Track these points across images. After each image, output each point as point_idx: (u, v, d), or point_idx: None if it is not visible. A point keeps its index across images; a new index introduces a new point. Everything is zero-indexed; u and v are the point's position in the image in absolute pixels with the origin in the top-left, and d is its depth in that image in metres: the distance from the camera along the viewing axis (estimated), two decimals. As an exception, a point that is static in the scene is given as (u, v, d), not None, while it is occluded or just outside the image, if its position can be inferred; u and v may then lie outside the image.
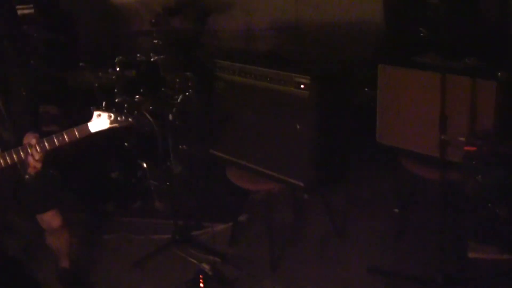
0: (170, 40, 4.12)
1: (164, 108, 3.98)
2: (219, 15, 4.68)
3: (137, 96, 3.99)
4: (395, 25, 3.88)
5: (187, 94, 4.08)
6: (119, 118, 2.78)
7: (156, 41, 4.06)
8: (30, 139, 2.74)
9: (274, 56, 4.18)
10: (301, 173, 3.24)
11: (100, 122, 2.76)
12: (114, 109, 2.83)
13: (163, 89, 4.08)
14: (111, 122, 2.77)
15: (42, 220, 3.27)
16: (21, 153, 2.74)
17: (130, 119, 2.84)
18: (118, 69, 4.10)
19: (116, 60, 4.13)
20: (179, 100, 4.01)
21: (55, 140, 2.72)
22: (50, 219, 3.26)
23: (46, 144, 2.71)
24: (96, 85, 4.15)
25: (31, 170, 2.75)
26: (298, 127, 3.19)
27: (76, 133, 2.72)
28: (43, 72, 4.44)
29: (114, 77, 4.11)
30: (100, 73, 4.15)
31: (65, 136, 2.71)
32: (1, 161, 2.76)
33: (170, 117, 4.02)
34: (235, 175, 3.63)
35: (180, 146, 4.03)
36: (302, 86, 3.16)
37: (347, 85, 3.45)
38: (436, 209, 2.93)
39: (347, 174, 3.57)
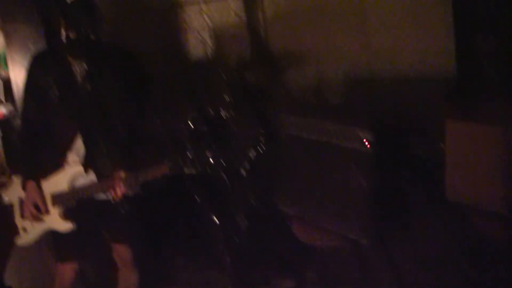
0: (241, 96, 4.40)
1: (235, 163, 4.25)
2: (290, 69, 4.92)
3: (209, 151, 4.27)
4: (468, 79, 3.96)
5: (258, 149, 4.33)
6: (192, 169, 3.34)
7: (227, 97, 4.34)
8: (118, 173, 3.26)
9: (341, 110, 4.35)
10: (365, 230, 3.36)
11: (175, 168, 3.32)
12: (187, 160, 3.33)
13: (233, 144, 4.34)
14: (184, 170, 3.34)
15: (118, 252, 3.66)
16: (110, 184, 3.28)
17: (201, 170, 3.21)
18: (190, 123, 4.41)
19: (188, 115, 4.45)
20: (250, 155, 4.27)
21: (139, 177, 3.28)
22: (125, 251, 3.63)
23: (138, 179, 3.28)
24: (169, 138, 4.46)
25: (116, 198, 3.29)
26: (362, 183, 3.33)
27: (158, 172, 3.29)
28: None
29: (186, 131, 4.43)
30: (172, 127, 4.47)
31: (149, 174, 3.29)
32: (96, 188, 3.34)
33: (243, 172, 4.29)
34: (300, 231, 3.78)
35: (249, 201, 4.25)
36: (366, 142, 3.30)
37: (415, 140, 3.55)
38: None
39: (413, 231, 3.63)
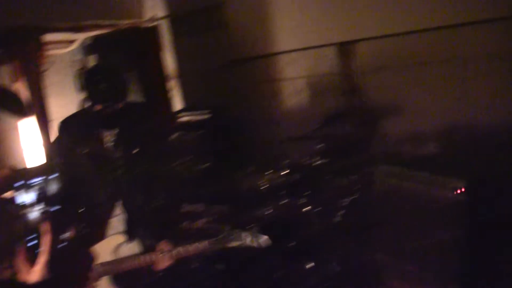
0: (333, 144, 4.63)
1: (327, 210, 4.48)
2: (385, 119, 5.10)
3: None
4: None
5: (353, 197, 4.54)
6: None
7: (320, 145, 4.59)
8: (163, 246, 3.39)
9: (434, 160, 4.49)
10: (460, 280, 3.49)
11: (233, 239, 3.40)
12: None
13: (327, 192, 4.57)
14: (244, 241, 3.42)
15: None
16: (152, 258, 3.38)
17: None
18: (283, 172, 4.69)
19: (282, 164, 4.73)
20: (346, 203, 4.48)
21: (188, 250, 3.39)
22: None
23: (180, 251, 3.37)
24: (261, 187, 4.74)
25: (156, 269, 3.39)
26: (454, 232, 3.48)
27: (208, 246, 3.38)
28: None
29: (279, 180, 4.70)
30: (266, 176, 4.75)
31: (198, 247, 3.38)
32: (135, 261, 3.40)
33: (336, 219, 4.51)
34: (392, 278, 3.94)
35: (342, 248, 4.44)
36: (458, 191, 3.47)
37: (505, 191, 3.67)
38: None
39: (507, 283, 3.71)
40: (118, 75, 3.55)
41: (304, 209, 4.48)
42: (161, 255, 3.37)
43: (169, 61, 6.72)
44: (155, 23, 6.65)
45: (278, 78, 5.91)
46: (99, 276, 3.46)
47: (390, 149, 5.02)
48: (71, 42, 6.85)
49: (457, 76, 4.71)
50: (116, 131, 3.53)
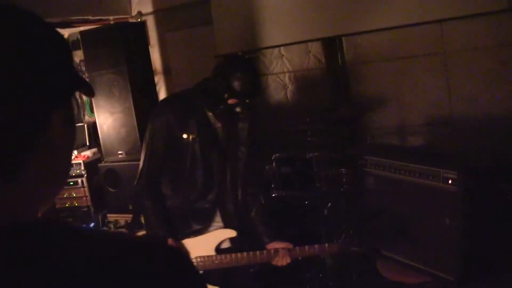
0: (324, 137, 4.76)
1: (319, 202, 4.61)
2: (373, 112, 5.25)
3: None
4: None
5: (341, 190, 4.68)
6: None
7: (311, 139, 4.72)
8: (278, 244, 3.45)
9: (423, 151, 4.64)
10: (452, 267, 3.62)
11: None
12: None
13: (317, 185, 4.70)
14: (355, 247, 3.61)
15: None
16: (271, 257, 3.44)
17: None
18: (274, 165, 4.81)
19: (273, 157, 4.85)
20: (334, 196, 4.62)
21: (305, 251, 3.46)
22: None
23: (297, 252, 3.44)
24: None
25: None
26: (447, 221, 3.61)
27: (326, 249, 3.52)
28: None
29: (271, 172, 4.83)
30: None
31: (316, 249, 3.47)
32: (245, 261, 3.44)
33: (326, 212, 4.64)
34: (385, 268, 4.07)
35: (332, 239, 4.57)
36: (450, 181, 3.60)
37: (500, 179, 3.82)
38: None
39: (502, 270, 3.85)
40: (257, 72, 3.45)
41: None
42: (276, 253, 3.41)
43: (156, 56, 6.81)
44: (142, 19, 6.73)
45: (265, 72, 6.01)
46: (201, 269, 3.45)
47: (379, 141, 5.18)
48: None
49: (443, 69, 4.87)
50: (228, 124, 3.47)
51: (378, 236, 4.14)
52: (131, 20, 6.73)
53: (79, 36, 6.34)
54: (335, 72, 5.54)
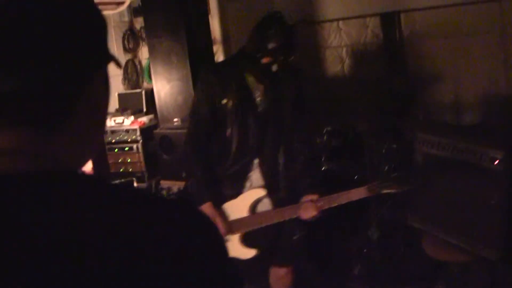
0: (377, 111, 4.84)
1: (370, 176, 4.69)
2: (427, 88, 5.29)
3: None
4: None
5: (393, 165, 4.75)
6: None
7: (362, 113, 4.80)
8: (310, 197, 3.46)
9: (475, 129, 4.66)
10: (495, 246, 3.68)
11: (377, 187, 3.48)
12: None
13: (368, 158, 4.79)
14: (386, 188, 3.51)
15: (278, 276, 3.88)
16: (297, 211, 3.47)
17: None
18: (325, 138, 4.91)
19: (324, 131, 4.95)
20: (385, 170, 4.69)
21: (333, 201, 3.43)
22: (286, 275, 3.85)
23: (325, 205, 3.43)
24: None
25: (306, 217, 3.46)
26: (493, 201, 3.67)
27: (353, 195, 3.44)
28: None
29: (321, 145, 4.93)
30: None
31: (344, 197, 3.43)
32: (275, 217, 3.52)
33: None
34: (430, 245, 4.15)
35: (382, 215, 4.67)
36: (496, 161, 3.65)
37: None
38: None
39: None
40: (296, 33, 3.50)
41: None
42: (311, 205, 3.43)
43: (215, 25, 6.94)
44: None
45: (322, 45, 6.08)
46: (237, 232, 3.59)
47: (431, 117, 5.21)
48: (120, 3, 7.10)
49: (501, 48, 4.86)
50: (270, 87, 3.52)
51: (423, 213, 4.23)
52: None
53: (140, 3, 6.53)
54: (393, 48, 5.57)
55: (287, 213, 3.52)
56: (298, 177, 3.62)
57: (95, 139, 1.17)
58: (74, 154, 1.09)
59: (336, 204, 3.43)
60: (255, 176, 3.63)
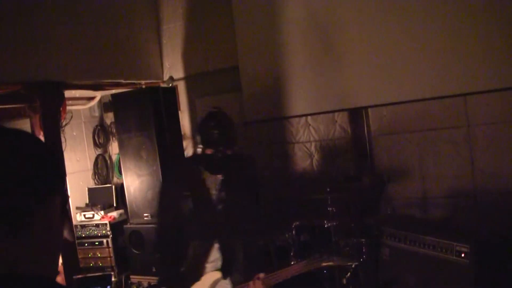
0: (344, 207, 4.89)
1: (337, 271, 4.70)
2: (396, 183, 5.37)
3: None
4: None
5: (361, 259, 4.77)
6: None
7: (330, 208, 4.84)
8: (257, 275, 3.56)
9: (441, 224, 4.74)
10: None
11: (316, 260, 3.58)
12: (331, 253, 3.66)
13: (336, 253, 4.80)
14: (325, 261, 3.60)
15: None
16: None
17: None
18: (294, 232, 4.94)
19: (293, 225, 4.99)
20: (353, 266, 4.70)
21: (278, 276, 3.54)
22: None
23: (271, 280, 3.54)
24: (272, 247, 5.00)
25: None
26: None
27: (296, 268, 3.56)
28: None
29: (290, 240, 4.95)
30: (277, 236, 5.00)
31: (288, 272, 3.54)
32: None
33: (344, 281, 4.73)
34: None
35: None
36: (462, 255, 3.71)
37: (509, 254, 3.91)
38: None
39: None
40: (231, 124, 3.84)
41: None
42: (257, 283, 3.53)
43: (185, 121, 7.05)
44: (173, 84, 7.01)
45: (291, 141, 6.19)
46: None
47: (399, 213, 5.28)
48: (91, 99, 7.22)
49: (466, 142, 4.99)
50: (221, 175, 3.80)
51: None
52: (162, 85, 7.01)
53: (110, 99, 6.64)
54: (360, 142, 5.69)
55: None
56: (251, 258, 3.88)
57: (54, 252, 1.35)
58: (34, 262, 1.25)
59: (282, 280, 3.56)
60: (215, 259, 3.85)
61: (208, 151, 3.66)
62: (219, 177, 3.80)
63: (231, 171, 3.79)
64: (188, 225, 3.84)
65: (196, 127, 3.77)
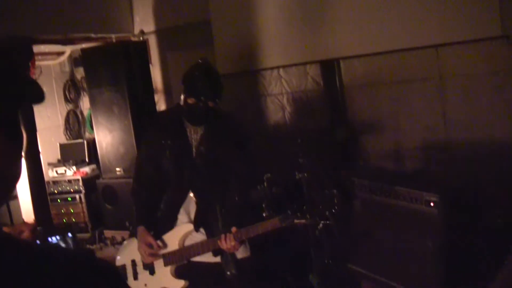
0: (314, 159, 4.89)
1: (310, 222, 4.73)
2: (368, 135, 5.39)
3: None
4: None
5: (333, 211, 4.79)
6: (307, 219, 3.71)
7: (301, 160, 4.84)
8: (232, 228, 3.57)
9: (413, 175, 4.78)
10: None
11: (288, 217, 3.64)
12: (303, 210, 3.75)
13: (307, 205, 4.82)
14: (298, 219, 3.67)
15: None
16: (216, 242, 3.58)
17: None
18: (266, 184, 4.94)
19: (264, 177, 4.98)
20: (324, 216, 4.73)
21: (250, 231, 3.57)
22: None
23: (243, 235, 3.56)
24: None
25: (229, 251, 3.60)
26: (429, 244, 3.75)
27: (268, 225, 3.59)
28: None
29: (262, 193, 4.96)
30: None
31: (260, 228, 3.57)
32: (206, 247, 3.66)
33: (317, 233, 4.75)
34: (370, 290, 4.20)
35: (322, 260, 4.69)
36: (431, 204, 3.75)
37: (480, 204, 3.96)
38: None
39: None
40: (216, 76, 3.71)
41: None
42: (229, 236, 3.52)
43: (157, 75, 7.00)
44: (144, 37, 6.93)
45: (263, 93, 6.17)
46: (169, 264, 3.75)
47: (372, 165, 5.31)
48: (60, 54, 7.12)
49: (438, 94, 5.00)
50: (202, 127, 3.75)
51: (363, 257, 4.29)
52: (133, 39, 6.93)
53: (80, 53, 6.56)
54: (333, 95, 5.68)
55: (209, 245, 3.66)
56: (228, 213, 3.78)
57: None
58: None
59: (253, 235, 3.59)
60: (189, 210, 3.82)
61: (190, 101, 3.58)
62: (200, 130, 3.75)
63: (213, 125, 3.75)
64: (166, 175, 3.78)
65: (183, 75, 3.63)
